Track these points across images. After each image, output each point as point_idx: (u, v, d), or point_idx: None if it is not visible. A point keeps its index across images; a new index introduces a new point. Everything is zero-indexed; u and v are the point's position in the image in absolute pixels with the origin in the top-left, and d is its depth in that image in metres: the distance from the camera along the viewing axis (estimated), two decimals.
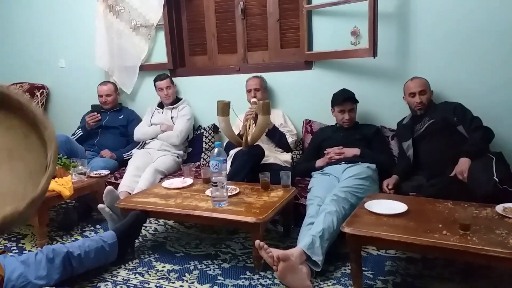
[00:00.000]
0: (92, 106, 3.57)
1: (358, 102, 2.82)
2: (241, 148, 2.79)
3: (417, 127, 2.63)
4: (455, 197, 2.05)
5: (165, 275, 2.06)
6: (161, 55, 3.71)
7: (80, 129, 3.57)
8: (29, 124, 0.83)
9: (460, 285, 1.83)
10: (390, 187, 2.47)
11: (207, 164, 3.21)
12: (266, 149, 2.85)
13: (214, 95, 3.08)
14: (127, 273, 2.10)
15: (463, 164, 2.26)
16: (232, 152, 2.91)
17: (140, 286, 1.97)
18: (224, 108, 2.73)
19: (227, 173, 2.67)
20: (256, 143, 2.79)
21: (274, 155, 2.96)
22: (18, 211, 0.74)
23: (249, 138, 2.72)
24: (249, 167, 2.66)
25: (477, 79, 2.69)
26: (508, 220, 1.77)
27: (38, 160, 0.83)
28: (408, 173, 2.58)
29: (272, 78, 3.31)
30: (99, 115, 3.49)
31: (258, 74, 3.27)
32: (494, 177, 2.04)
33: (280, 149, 3.06)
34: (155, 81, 3.50)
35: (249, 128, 2.82)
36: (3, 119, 0.85)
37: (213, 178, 2.14)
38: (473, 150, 2.30)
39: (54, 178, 2.62)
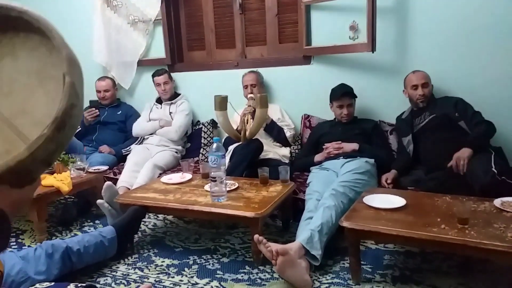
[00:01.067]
0: (90, 101, 3.56)
1: (356, 97, 2.82)
2: (239, 143, 2.79)
3: (417, 121, 2.62)
4: (453, 191, 2.06)
5: (165, 270, 2.07)
6: (159, 50, 3.70)
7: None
8: (48, 38, 0.77)
9: (458, 279, 1.84)
10: (389, 181, 2.47)
11: (206, 159, 3.21)
12: (265, 144, 2.85)
13: (213, 90, 3.08)
14: (126, 268, 2.10)
15: (463, 153, 2.22)
16: (231, 148, 2.91)
17: (140, 281, 1.97)
18: (221, 103, 2.73)
19: (226, 168, 2.68)
20: (254, 137, 2.79)
21: (273, 150, 2.96)
22: (43, 135, 0.69)
23: (247, 133, 2.72)
24: (247, 161, 2.67)
25: (476, 73, 2.69)
26: (506, 214, 1.78)
27: None
28: (407, 169, 2.57)
29: (271, 73, 3.31)
30: (97, 110, 3.48)
31: (254, 69, 3.26)
32: (493, 169, 2.04)
33: (278, 144, 3.06)
34: (153, 76, 3.49)
35: (247, 123, 2.82)
36: (25, 41, 0.80)
37: (212, 173, 2.14)
38: (476, 142, 2.28)
39: (52, 171, 2.63)
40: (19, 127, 0.74)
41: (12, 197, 0.73)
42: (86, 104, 3.59)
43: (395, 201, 1.95)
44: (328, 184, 2.29)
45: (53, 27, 0.76)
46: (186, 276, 2.00)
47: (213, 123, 3.52)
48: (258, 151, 2.77)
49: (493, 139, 2.44)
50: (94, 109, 3.48)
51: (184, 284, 1.92)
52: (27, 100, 0.77)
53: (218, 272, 2.02)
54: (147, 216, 2.59)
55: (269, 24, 3.39)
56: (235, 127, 2.91)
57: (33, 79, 0.78)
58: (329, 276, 1.93)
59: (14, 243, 2.48)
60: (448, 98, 2.61)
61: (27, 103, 0.77)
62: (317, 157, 2.76)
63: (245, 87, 3.18)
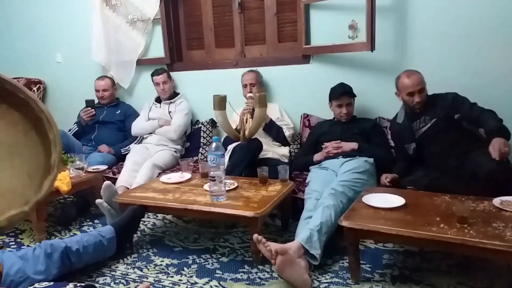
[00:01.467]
0: (86, 101, 3.54)
1: (355, 96, 2.81)
2: (239, 142, 2.79)
3: (416, 126, 2.50)
4: (448, 188, 2.06)
5: (164, 269, 2.07)
6: (158, 50, 3.70)
7: (76, 124, 3.56)
8: (31, 121, 0.82)
9: (457, 278, 1.84)
10: (388, 180, 2.46)
11: (205, 158, 3.21)
12: (264, 143, 2.85)
13: (212, 89, 3.07)
14: (125, 268, 2.10)
15: (497, 142, 2.06)
16: (230, 147, 2.91)
17: (139, 281, 1.97)
18: (220, 102, 2.72)
19: (225, 167, 2.68)
20: (253, 137, 2.78)
21: (272, 149, 2.96)
22: (24, 212, 0.75)
23: (246, 132, 2.72)
24: (247, 161, 2.67)
25: (475, 72, 2.69)
26: (505, 213, 1.78)
27: (36, 158, 0.82)
28: (408, 172, 2.51)
29: (270, 72, 3.30)
30: (93, 110, 3.48)
31: (254, 69, 3.26)
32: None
33: (277, 143, 3.06)
34: (152, 75, 3.49)
35: (246, 122, 2.82)
36: (5, 114, 0.83)
37: (211, 172, 2.14)
38: (497, 126, 2.18)
39: None
40: None
41: None
42: (83, 104, 3.59)
43: (394, 200, 1.95)
44: (327, 184, 2.29)
45: (54, 121, 0.82)
46: (185, 275, 2.00)
47: (212, 123, 3.51)
48: (258, 151, 2.77)
49: None
50: (90, 108, 3.48)
51: (183, 283, 1.92)
52: None
53: (217, 271, 2.02)
54: (146, 215, 2.59)
55: (268, 23, 3.38)
56: (234, 127, 2.91)
57: (4, 150, 0.82)
58: (328, 275, 1.93)
59: (13, 243, 2.47)
60: (443, 96, 2.48)
61: None
62: (316, 157, 2.76)
63: (245, 86, 3.18)
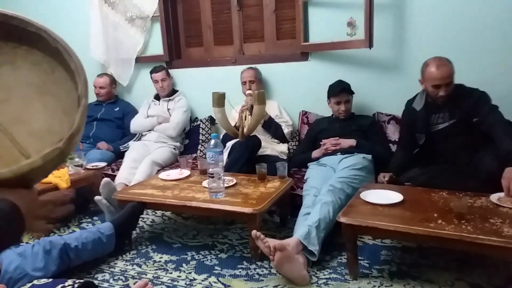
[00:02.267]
0: None
1: (354, 93, 2.82)
2: (237, 139, 2.80)
3: (434, 119, 2.36)
4: (446, 186, 2.06)
5: (163, 266, 2.07)
6: (157, 47, 3.69)
7: None
8: (54, 57, 0.78)
9: (455, 274, 1.85)
10: (386, 178, 2.47)
11: (204, 155, 3.22)
12: (263, 140, 2.85)
13: (211, 86, 3.07)
14: (124, 264, 2.11)
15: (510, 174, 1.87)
16: (229, 144, 2.91)
17: (138, 277, 1.98)
18: (219, 99, 2.73)
19: (224, 164, 2.68)
20: (252, 134, 2.79)
21: (271, 146, 2.97)
22: (59, 149, 0.71)
23: (245, 129, 2.72)
24: (246, 158, 2.67)
25: (474, 69, 2.68)
26: (502, 209, 1.79)
27: (69, 94, 0.78)
28: (405, 167, 2.45)
29: (268, 70, 3.30)
30: None
31: (253, 66, 3.26)
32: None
33: (276, 140, 3.07)
34: (151, 73, 3.48)
35: (245, 119, 2.82)
36: (26, 54, 0.80)
37: (210, 169, 2.14)
38: None
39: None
40: (14, 134, 0.75)
41: (20, 197, 0.74)
42: None
43: (392, 196, 1.96)
44: (326, 180, 2.30)
45: (72, 50, 0.78)
46: (184, 272, 2.01)
47: (211, 120, 3.51)
48: (256, 148, 2.77)
49: None
50: None
51: (182, 280, 1.93)
52: (24, 110, 0.78)
53: (216, 268, 2.03)
54: (145, 212, 2.60)
55: (266, 20, 3.38)
56: (233, 124, 2.92)
57: (32, 91, 0.79)
58: (326, 271, 1.94)
59: None
60: (468, 94, 2.29)
61: (24, 113, 0.78)
62: (315, 153, 2.77)
63: (244, 83, 3.18)
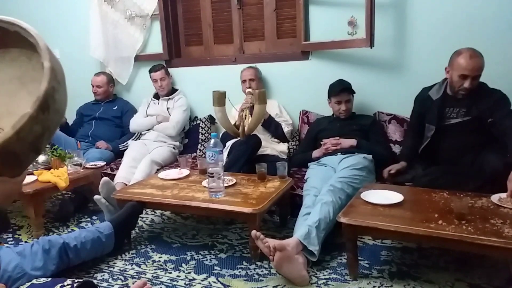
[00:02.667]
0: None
1: (354, 93, 2.81)
2: (237, 139, 2.79)
3: (448, 113, 2.31)
4: (448, 187, 2.06)
5: (162, 266, 2.07)
6: (156, 46, 3.68)
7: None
8: (27, 47, 0.78)
9: (455, 274, 1.85)
10: (392, 171, 2.42)
11: (203, 155, 3.21)
12: (263, 140, 2.85)
13: (211, 85, 3.06)
14: (123, 264, 2.10)
15: None
16: (229, 143, 2.90)
17: (137, 277, 1.97)
18: (220, 98, 2.72)
19: (224, 163, 2.67)
20: (252, 133, 2.78)
21: (271, 146, 2.96)
22: (26, 113, 0.68)
23: (245, 128, 2.71)
24: (246, 157, 2.66)
25: None
26: (503, 210, 1.78)
27: None
28: (414, 157, 2.43)
29: (269, 69, 3.30)
30: None
31: (253, 65, 3.25)
32: (508, 155, 1.98)
33: (276, 140, 3.06)
34: (150, 72, 3.47)
35: (245, 118, 2.81)
36: (4, 55, 0.83)
37: (210, 169, 2.14)
38: None
39: (49, 166, 2.62)
40: (4, 127, 0.75)
41: (6, 186, 0.74)
42: (84, 100, 3.57)
43: (393, 197, 1.95)
44: (326, 180, 2.29)
45: (28, 25, 0.77)
46: (184, 271, 2.00)
47: (211, 119, 3.51)
48: (257, 147, 2.77)
49: None
50: None
51: (181, 279, 1.92)
52: (11, 102, 0.80)
53: (215, 268, 2.02)
54: (144, 212, 2.59)
55: (267, 19, 3.37)
56: (233, 123, 2.91)
57: (15, 83, 0.81)
58: (326, 271, 1.93)
59: (11, 239, 2.47)
60: (489, 93, 2.25)
61: (11, 104, 0.80)
62: (315, 153, 2.76)
63: (243, 81, 3.17)
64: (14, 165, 0.73)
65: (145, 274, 1.99)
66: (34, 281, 1.57)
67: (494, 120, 2.18)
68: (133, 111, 3.62)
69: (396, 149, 2.82)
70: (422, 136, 2.45)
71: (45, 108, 0.71)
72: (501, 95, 2.24)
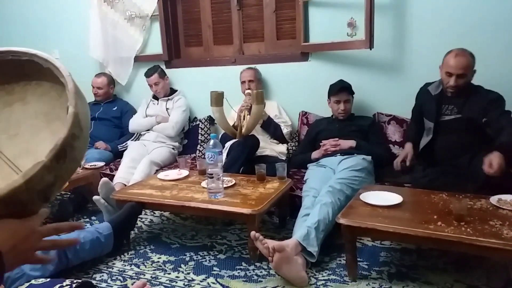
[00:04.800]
0: None
1: (353, 93, 2.81)
2: (236, 139, 2.79)
3: (444, 110, 2.37)
4: (447, 188, 2.06)
5: (161, 266, 2.07)
6: (156, 46, 3.68)
7: None
8: (60, 82, 0.75)
9: (454, 276, 1.85)
10: (409, 158, 2.40)
11: (202, 155, 3.21)
12: (262, 141, 2.85)
13: (210, 86, 3.06)
14: (122, 264, 2.10)
15: (494, 158, 1.95)
16: (228, 144, 2.90)
17: (136, 277, 1.97)
18: (217, 99, 2.72)
19: (223, 164, 2.67)
20: (250, 134, 2.78)
21: (270, 147, 2.96)
22: (39, 162, 0.64)
23: (243, 129, 2.71)
24: (244, 158, 2.66)
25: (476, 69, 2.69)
26: (502, 211, 1.78)
27: None
28: (419, 141, 2.46)
29: (268, 70, 3.30)
30: None
31: (253, 66, 3.25)
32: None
33: (275, 141, 3.06)
34: (144, 76, 3.46)
35: (243, 119, 2.81)
36: (36, 88, 0.81)
37: (209, 169, 2.14)
38: (507, 147, 2.01)
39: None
40: (21, 167, 0.74)
41: (11, 226, 0.67)
42: None
43: (392, 198, 1.96)
44: (325, 181, 2.29)
45: (61, 65, 0.75)
46: (183, 272, 2.00)
47: (210, 120, 3.51)
48: (255, 148, 2.77)
49: None
50: None
51: (180, 280, 1.92)
52: (32, 140, 0.78)
53: (214, 268, 2.02)
54: (143, 212, 2.59)
55: (266, 20, 3.37)
56: (232, 123, 2.91)
57: (40, 120, 0.79)
58: (325, 272, 1.93)
59: None
60: (484, 94, 2.30)
61: (32, 142, 0.77)
62: (314, 154, 2.76)
63: (243, 82, 3.17)
64: (19, 212, 0.68)
65: (144, 275, 1.99)
66: (33, 281, 1.57)
67: (489, 119, 2.21)
68: (133, 111, 3.62)
69: (395, 150, 2.83)
70: (423, 127, 2.49)
71: (61, 157, 0.66)
72: (496, 96, 2.27)
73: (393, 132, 2.87)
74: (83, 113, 0.71)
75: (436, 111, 2.38)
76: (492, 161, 1.94)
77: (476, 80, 2.66)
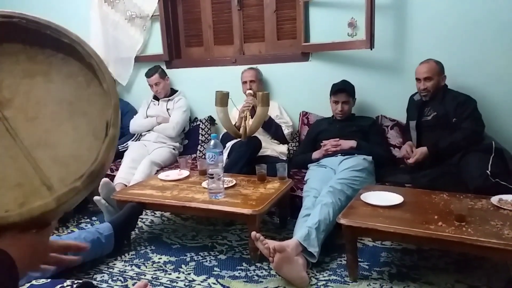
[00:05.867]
0: None
1: (354, 95, 2.81)
2: (237, 139, 2.79)
3: (426, 112, 2.59)
4: (448, 188, 2.06)
5: (162, 267, 2.07)
6: (156, 47, 3.68)
7: None
8: (89, 68, 0.68)
9: (455, 276, 1.85)
10: (421, 156, 2.44)
11: (203, 156, 3.21)
12: (263, 141, 2.85)
13: (211, 86, 3.07)
14: (123, 265, 2.10)
15: (418, 152, 2.42)
16: (229, 144, 2.90)
17: (137, 278, 1.97)
18: (222, 99, 2.71)
19: (224, 165, 2.67)
20: (253, 135, 2.78)
21: (271, 147, 2.96)
22: (75, 188, 0.62)
23: (247, 130, 2.71)
24: (246, 159, 2.66)
25: (475, 71, 2.69)
26: (503, 212, 1.78)
27: (102, 116, 0.68)
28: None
29: (269, 70, 3.30)
30: None
31: (254, 66, 3.25)
32: (487, 171, 2.06)
33: (276, 141, 3.06)
34: (145, 76, 3.46)
35: (245, 120, 2.81)
36: (62, 64, 0.70)
37: (210, 170, 2.14)
38: (447, 143, 2.36)
39: None
40: (38, 160, 0.66)
41: (26, 241, 0.66)
42: None
43: (392, 198, 1.95)
44: (326, 181, 2.29)
45: (106, 67, 0.69)
46: (183, 273, 2.00)
47: (211, 120, 3.51)
48: (257, 149, 2.77)
49: (495, 137, 2.44)
50: None
51: (181, 281, 1.92)
52: (52, 132, 0.69)
53: (215, 269, 2.02)
54: (144, 213, 2.59)
55: (267, 20, 3.37)
56: (233, 123, 2.91)
57: (63, 109, 0.70)
58: (326, 273, 1.93)
59: None
60: (456, 96, 2.50)
61: (52, 135, 0.69)
62: (315, 154, 2.76)
63: (244, 83, 3.17)
64: (42, 225, 0.68)
65: (145, 275, 1.99)
66: (33, 282, 1.57)
67: (457, 120, 2.43)
68: (133, 112, 3.62)
69: (396, 152, 2.82)
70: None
71: (95, 181, 0.65)
72: (465, 98, 2.48)
73: (394, 137, 2.88)
74: (117, 129, 0.68)
75: (418, 114, 2.61)
76: (416, 153, 2.43)
77: (476, 80, 2.68)
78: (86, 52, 0.69)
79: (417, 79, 2.57)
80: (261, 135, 2.95)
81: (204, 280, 1.92)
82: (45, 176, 0.66)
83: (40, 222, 0.65)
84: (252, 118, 2.86)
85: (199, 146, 3.42)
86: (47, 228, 0.70)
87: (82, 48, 0.69)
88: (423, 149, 2.42)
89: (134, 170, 2.95)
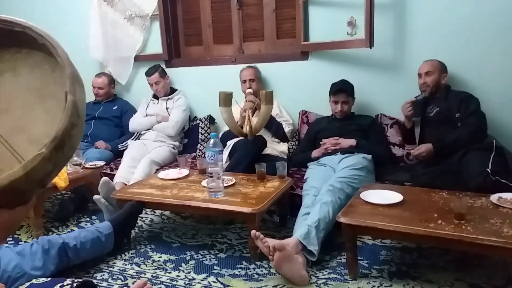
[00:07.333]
0: None
1: (354, 95, 2.81)
2: (239, 138, 2.78)
3: (428, 110, 2.62)
4: (447, 187, 2.07)
5: (162, 265, 2.07)
6: (156, 46, 3.68)
7: None
8: (51, 56, 0.72)
9: (455, 274, 1.85)
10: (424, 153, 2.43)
11: (203, 155, 3.21)
12: None
13: (210, 85, 3.07)
14: (123, 264, 2.10)
15: (423, 147, 2.41)
16: (230, 143, 2.90)
17: (137, 276, 1.97)
18: (226, 99, 2.71)
19: (228, 163, 2.67)
20: (258, 134, 2.78)
21: (271, 146, 2.96)
22: (39, 154, 0.64)
23: (252, 128, 2.70)
24: (251, 157, 2.66)
25: (475, 68, 2.69)
26: (502, 210, 1.78)
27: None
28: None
29: (268, 69, 3.30)
30: None
31: (252, 65, 3.25)
32: (488, 169, 2.05)
33: (276, 140, 3.06)
34: (145, 75, 3.46)
35: (249, 119, 2.80)
36: (27, 58, 0.76)
37: (209, 169, 2.14)
38: (452, 139, 2.36)
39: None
40: (15, 145, 0.70)
41: (1, 218, 0.68)
42: None
43: (392, 197, 1.96)
44: (325, 180, 2.29)
45: (58, 44, 0.72)
46: (183, 271, 2.00)
47: (210, 119, 3.51)
48: (262, 148, 2.77)
49: (496, 137, 2.44)
50: None
51: (181, 279, 1.92)
52: (25, 118, 0.73)
53: (215, 267, 2.02)
54: (144, 211, 2.59)
55: (266, 19, 3.37)
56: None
57: (33, 96, 0.75)
58: (326, 271, 1.93)
59: (10, 239, 2.47)
60: (459, 94, 2.55)
61: (25, 120, 0.73)
62: (315, 153, 2.76)
63: (243, 81, 3.17)
64: (17, 200, 0.69)
65: (145, 274, 1.99)
66: (33, 281, 1.57)
67: (461, 115, 2.46)
68: (133, 111, 3.62)
69: (395, 151, 2.83)
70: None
71: (60, 147, 0.67)
72: (468, 95, 2.52)
73: (394, 135, 2.87)
74: (80, 100, 0.71)
75: (423, 110, 2.62)
76: (421, 149, 2.42)
77: (476, 80, 2.68)
78: (37, 34, 0.72)
79: (419, 75, 2.62)
80: (261, 134, 2.95)
81: (204, 278, 1.93)
82: (22, 159, 0.69)
83: (12, 194, 0.66)
84: (253, 116, 2.86)
85: (199, 145, 3.42)
86: (25, 206, 0.71)
87: (33, 31, 0.72)
88: (429, 146, 2.41)
89: (133, 169, 2.95)
